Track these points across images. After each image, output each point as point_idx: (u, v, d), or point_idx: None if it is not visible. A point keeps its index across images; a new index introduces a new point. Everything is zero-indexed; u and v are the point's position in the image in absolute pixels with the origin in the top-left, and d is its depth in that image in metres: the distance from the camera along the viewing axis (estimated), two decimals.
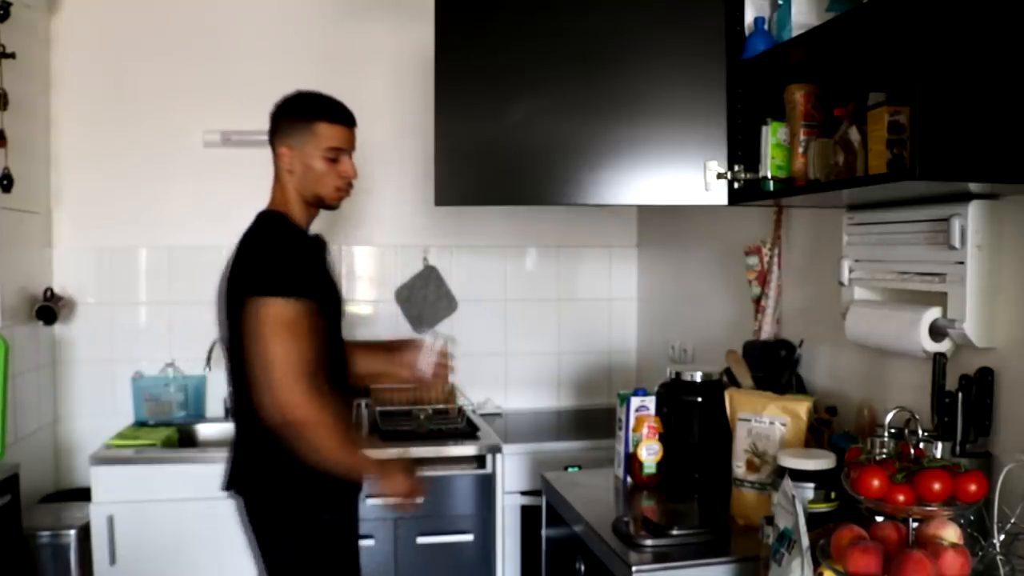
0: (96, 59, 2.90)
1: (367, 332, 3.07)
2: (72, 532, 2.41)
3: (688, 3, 1.86)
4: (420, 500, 1.86)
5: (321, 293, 1.82)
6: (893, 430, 1.48)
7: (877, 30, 1.40)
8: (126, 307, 2.96)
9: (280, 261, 1.77)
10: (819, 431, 1.76)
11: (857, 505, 1.32)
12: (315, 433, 1.70)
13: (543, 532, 2.14)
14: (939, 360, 1.47)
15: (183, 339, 2.95)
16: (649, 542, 1.59)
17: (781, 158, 1.72)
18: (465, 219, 3.10)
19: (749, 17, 1.80)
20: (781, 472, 1.49)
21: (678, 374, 2.03)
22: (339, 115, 1.88)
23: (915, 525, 1.26)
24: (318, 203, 1.90)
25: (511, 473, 2.56)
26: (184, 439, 2.84)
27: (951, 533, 1.23)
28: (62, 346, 2.91)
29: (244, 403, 1.80)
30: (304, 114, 1.86)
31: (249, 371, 1.73)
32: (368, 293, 3.10)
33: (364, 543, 2.49)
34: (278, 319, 1.68)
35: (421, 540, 2.53)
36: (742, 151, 1.81)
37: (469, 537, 2.56)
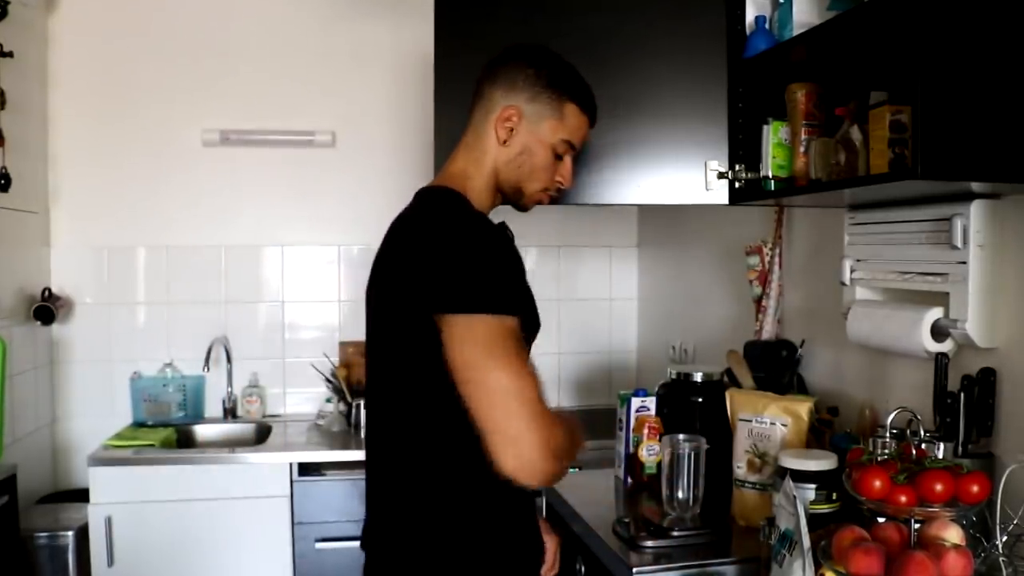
0: (94, 58, 2.90)
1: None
2: (70, 533, 2.40)
3: (689, 2, 1.86)
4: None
5: (533, 312, 1.38)
6: (895, 431, 1.48)
7: (878, 29, 1.39)
8: (124, 307, 2.96)
9: (491, 263, 1.26)
10: (820, 432, 1.75)
11: (859, 506, 1.31)
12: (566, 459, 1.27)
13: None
14: (941, 360, 1.46)
15: (182, 339, 2.94)
16: (649, 543, 1.59)
17: (782, 157, 1.72)
18: None
19: (750, 16, 1.80)
20: (782, 473, 1.48)
21: (678, 374, 2.03)
22: (592, 107, 1.46)
23: (917, 526, 1.26)
24: (511, 197, 1.45)
25: None
26: (183, 440, 2.84)
27: (953, 534, 1.23)
28: (60, 346, 2.90)
29: (412, 452, 1.33)
30: (558, 85, 1.41)
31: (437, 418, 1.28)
32: None
33: None
34: (506, 338, 1.20)
35: None
36: (743, 150, 1.80)
37: None
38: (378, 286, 1.38)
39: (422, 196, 1.41)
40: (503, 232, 1.34)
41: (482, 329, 1.19)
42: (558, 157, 1.42)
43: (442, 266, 1.24)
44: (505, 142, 1.39)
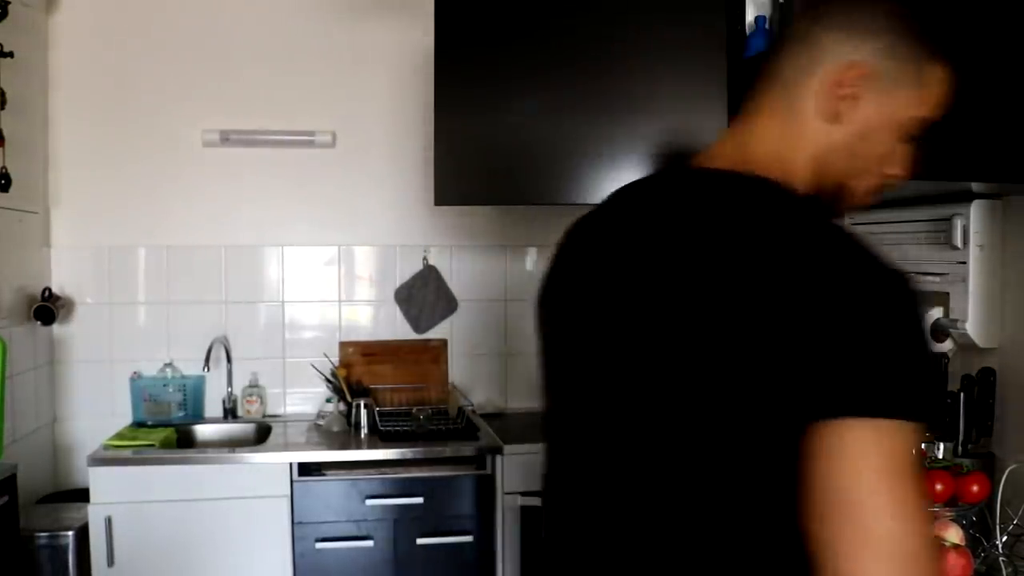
0: (95, 58, 2.90)
1: (367, 333, 3.07)
2: (70, 533, 2.39)
3: (689, 2, 1.86)
4: None
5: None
6: None
7: None
8: (124, 307, 2.95)
9: (905, 330, 0.77)
10: None
11: None
12: None
13: (543, 533, 2.13)
14: (941, 360, 1.46)
15: (182, 339, 2.94)
16: None
17: None
18: (465, 219, 3.09)
19: (750, 16, 1.80)
20: None
21: None
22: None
23: None
24: (829, 196, 0.94)
25: (511, 474, 2.56)
26: (183, 440, 2.84)
27: (953, 534, 1.23)
28: (60, 346, 2.90)
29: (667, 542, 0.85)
30: (929, 36, 0.91)
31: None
32: (368, 293, 3.09)
33: (363, 544, 2.50)
34: (909, 460, 0.76)
35: (421, 541, 2.52)
36: None
37: (469, 538, 2.55)
38: (630, 317, 0.86)
39: (728, 186, 0.88)
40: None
41: (885, 444, 0.75)
42: (907, 142, 0.94)
43: (831, 336, 0.74)
44: (838, 117, 0.90)
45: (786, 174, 0.90)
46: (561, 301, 0.98)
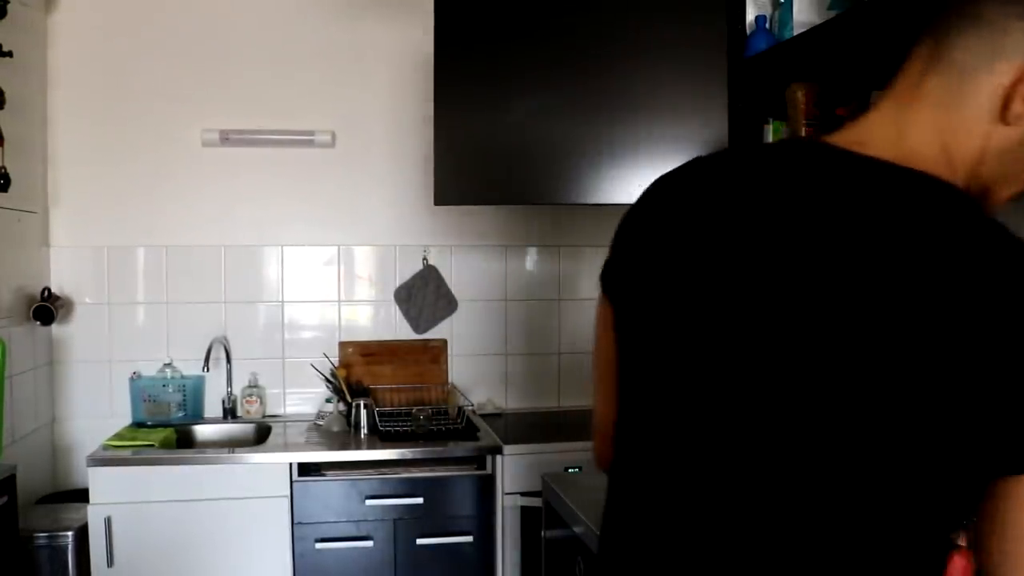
0: (94, 57, 2.89)
1: (367, 333, 3.07)
2: (69, 534, 2.39)
3: (689, 2, 1.86)
4: None
5: None
6: None
7: (879, 28, 1.39)
8: (124, 307, 2.95)
9: None
10: None
11: None
12: None
13: (543, 534, 2.13)
14: None
15: (181, 339, 2.94)
16: None
17: None
18: (465, 219, 3.09)
19: (750, 16, 1.80)
20: None
21: None
22: None
23: None
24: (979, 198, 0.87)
25: (511, 474, 2.56)
26: (182, 440, 2.84)
27: (956, 535, 1.22)
28: (60, 346, 2.90)
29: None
30: None
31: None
32: (368, 293, 3.09)
33: (363, 544, 2.50)
34: None
35: (421, 541, 2.52)
36: None
37: (469, 538, 2.55)
38: (786, 314, 0.77)
39: (910, 189, 0.79)
40: None
41: None
42: None
43: None
44: (1012, 118, 0.81)
45: (951, 173, 0.81)
46: (674, 275, 0.88)
